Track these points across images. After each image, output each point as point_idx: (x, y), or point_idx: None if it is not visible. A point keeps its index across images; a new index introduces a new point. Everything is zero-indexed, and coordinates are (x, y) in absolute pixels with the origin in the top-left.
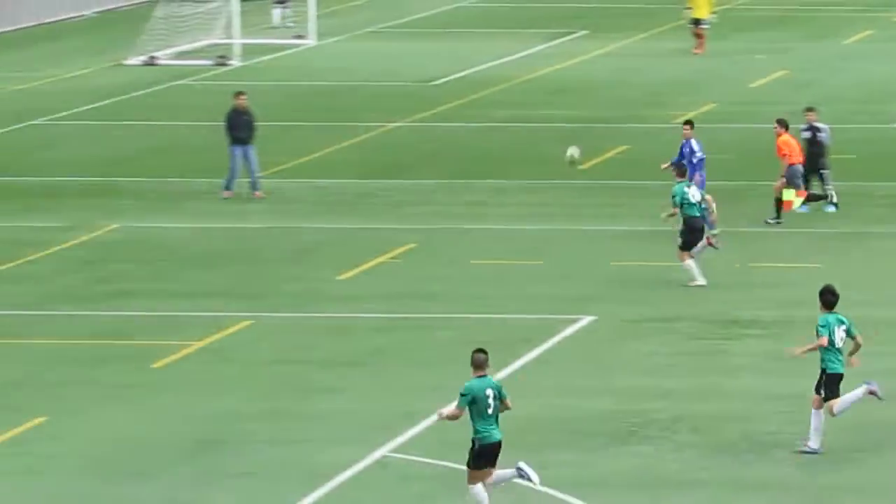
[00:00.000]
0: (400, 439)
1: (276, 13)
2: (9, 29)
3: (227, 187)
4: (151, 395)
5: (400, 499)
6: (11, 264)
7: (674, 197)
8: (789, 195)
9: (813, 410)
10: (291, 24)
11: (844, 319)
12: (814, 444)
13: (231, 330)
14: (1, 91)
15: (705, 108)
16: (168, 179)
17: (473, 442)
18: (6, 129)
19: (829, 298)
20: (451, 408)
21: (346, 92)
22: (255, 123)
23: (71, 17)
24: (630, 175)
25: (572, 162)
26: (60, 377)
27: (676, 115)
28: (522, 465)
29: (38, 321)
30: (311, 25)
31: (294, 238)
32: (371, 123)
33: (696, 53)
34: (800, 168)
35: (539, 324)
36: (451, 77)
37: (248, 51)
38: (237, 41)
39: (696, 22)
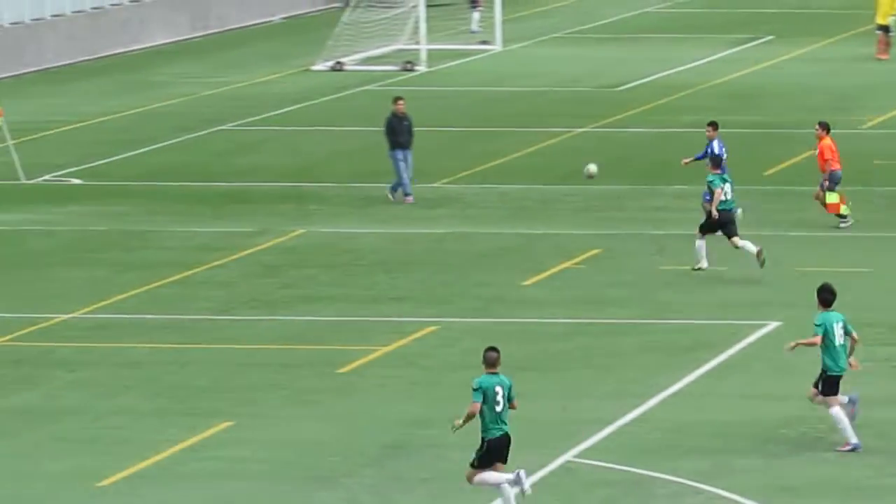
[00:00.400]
0: (584, 444)
1: (476, 16)
2: (198, 35)
3: (395, 189)
4: (337, 400)
5: None
6: (200, 269)
7: (711, 182)
8: (833, 198)
9: (833, 408)
10: (478, 29)
11: (842, 317)
12: (852, 439)
13: (416, 335)
14: (191, 96)
15: (893, 113)
16: (354, 185)
17: (483, 440)
18: (196, 135)
19: (826, 297)
20: (465, 412)
21: (530, 97)
22: (414, 129)
23: (259, 23)
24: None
25: (590, 177)
26: (247, 381)
27: (863, 121)
28: (522, 473)
29: (226, 326)
30: (497, 31)
31: (479, 243)
32: (555, 129)
33: (880, 59)
34: (840, 174)
35: (724, 329)
36: (636, 82)
37: (434, 56)
38: (423, 46)
39: (883, 29)
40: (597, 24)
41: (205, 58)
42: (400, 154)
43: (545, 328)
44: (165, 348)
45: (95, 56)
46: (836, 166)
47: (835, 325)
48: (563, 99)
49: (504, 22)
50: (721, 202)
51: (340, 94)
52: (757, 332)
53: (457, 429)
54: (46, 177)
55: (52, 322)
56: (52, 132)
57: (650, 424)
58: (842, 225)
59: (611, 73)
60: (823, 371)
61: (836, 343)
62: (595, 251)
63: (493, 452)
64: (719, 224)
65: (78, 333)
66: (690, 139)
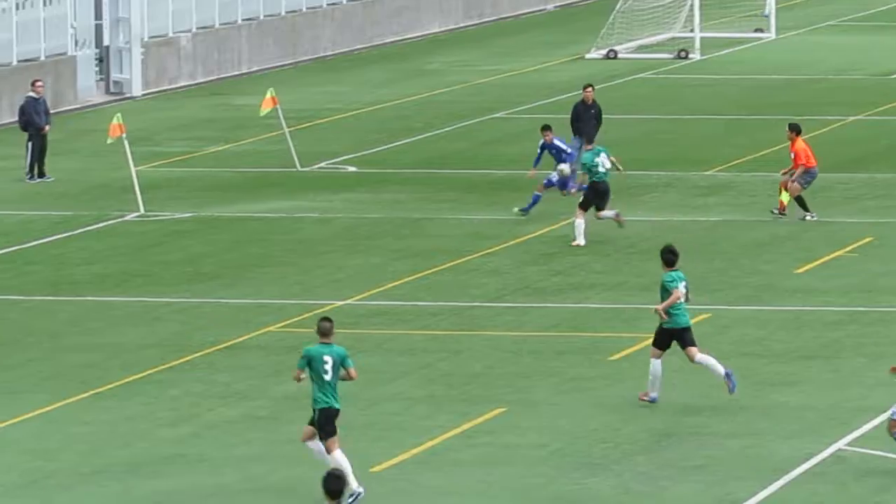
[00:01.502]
0: (856, 433)
1: (771, 0)
2: (472, 23)
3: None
4: (608, 387)
5: (856, 493)
6: (472, 256)
7: (584, 164)
8: (785, 197)
9: (652, 360)
10: (768, 14)
11: (684, 277)
12: (653, 393)
13: None
14: (464, 84)
15: None
16: (628, 172)
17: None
18: (469, 122)
19: (669, 257)
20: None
21: (803, 85)
22: (602, 117)
23: (532, 12)
24: None
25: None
26: (519, 369)
27: None
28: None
29: (498, 313)
30: (772, 19)
31: (751, 231)
32: (828, 117)
33: None
34: (816, 171)
35: None
36: None
37: (708, 44)
38: (697, 34)
39: None
40: (874, 10)
41: (478, 46)
42: (577, 142)
43: (817, 316)
44: (439, 335)
45: (370, 45)
46: (813, 163)
47: (679, 283)
48: (836, 87)
49: (779, 10)
50: (597, 173)
51: (613, 83)
52: None
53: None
54: (322, 164)
55: (326, 308)
56: (326, 120)
57: None
58: (807, 218)
59: (885, 61)
60: (665, 327)
61: (680, 299)
62: (867, 239)
63: (316, 422)
64: (596, 195)
65: (352, 320)
66: None
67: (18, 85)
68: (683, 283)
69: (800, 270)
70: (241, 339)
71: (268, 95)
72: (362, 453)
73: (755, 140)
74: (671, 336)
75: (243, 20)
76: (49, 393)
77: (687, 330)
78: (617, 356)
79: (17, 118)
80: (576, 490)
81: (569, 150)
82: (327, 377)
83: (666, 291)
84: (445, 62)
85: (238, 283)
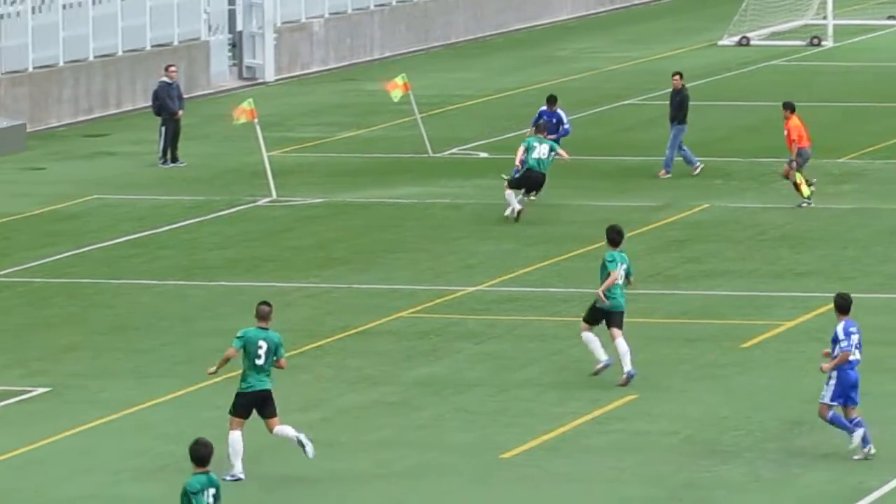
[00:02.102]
0: None
1: None
2: (603, 10)
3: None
4: (740, 375)
5: None
6: (604, 243)
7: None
8: (798, 177)
9: (583, 333)
10: None
11: (626, 258)
12: (602, 356)
13: (820, 310)
14: (595, 71)
15: None
16: (760, 159)
17: (237, 392)
18: (602, 109)
19: (613, 236)
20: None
21: None
22: (688, 103)
23: None
24: None
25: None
26: (651, 356)
27: None
28: (304, 438)
29: (630, 300)
30: None
31: (883, 219)
32: None
33: None
34: (809, 151)
35: None
36: None
37: (840, 31)
38: (830, 21)
39: None
40: None
41: (609, 33)
42: (672, 129)
43: None
44: (570, 321)
45: (500, 31)
46: (805, 144)
47: (620, 264)
48: None
49: None
50: (533, 159)
51: (745, 70)
52: None
53: (211, 374)
54: (453, 150)
55: (458, 294)
56: (458, 106)
57: None
58: (803, 205)
59: None
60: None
61: (618, 280)
62: None
63: (239, 406)
64: (526, 179)
65: (483, 306)
66: None
67: (152, 70)
68: (624, 266)
69: None
70: (372, 325)
71: (399, 81)
72: (492, 440)
73: (888, 127)
74: (603, 314)
75: (376, 6)
76: (181, 377)
77: (619, 314)
78: (749, 343)
79: (150, 103)
80: (706, 477)
81: (566, 125)
82: (259, 361)
83: (604, 270)
84: (576, 49)
85: (369, 268)
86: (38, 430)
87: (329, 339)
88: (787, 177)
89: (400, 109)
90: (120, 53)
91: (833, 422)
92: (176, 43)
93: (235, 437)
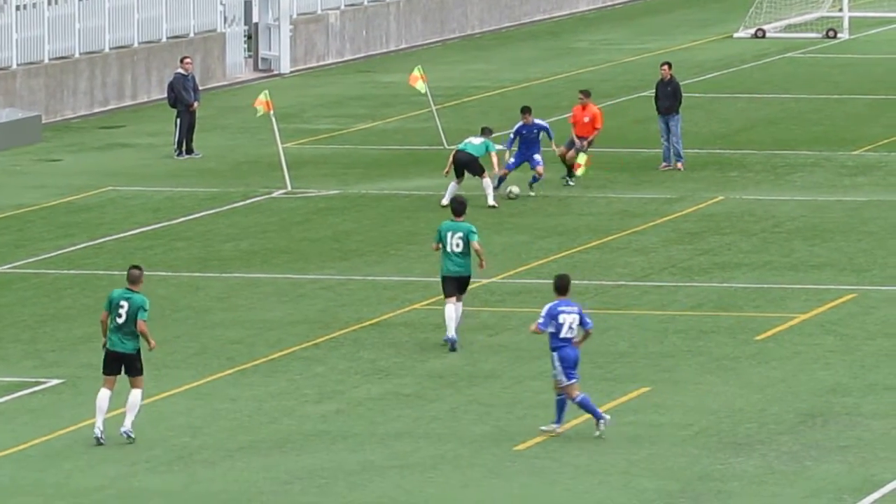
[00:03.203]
0: None
1: None
2: (620, 2)
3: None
4: (754, 367)
5: None
6: (619, 235)
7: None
8: (582, 159)
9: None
10: None
11: (464, 227)
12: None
13: (835, 303)
14: (613, 63)
15: None
16: (775, 152)
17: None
18: (617, 101)
19: (455, 207)
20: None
21: None
22: (680, 94)
23: None
24: None
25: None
26: (665, 348)
27: None
28: (128, 428)
29: (644, 292)
30: None
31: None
32: None
33: None
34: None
35: None
36: None
37: (856, 24)
38: (846, 14)
39: None
40: None
41: (627, 24)
42: (661, 121)
43: None
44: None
45: (518, 23)
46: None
47: (449, 233)
48: None
49: None
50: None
51: (761, 62)
52: None
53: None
54: None
55: (472, 286)
56: (474, 98)
57: None
58: (570, 183)
59: None
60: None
61: (450, 249)
62: None
63: (104, 363)
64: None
65: (498, 298)
66: None
67: (168, 61)
68: (459, 235)
69: None
70: (386, 317)
71: (416, 73)
72: (506, 431)
73: None
74: (451, 282)
75: None
76: (196, 369)
77: (456, 279)
78: (763, 336)
79: (165, 95)
80: (720, 469)
81: (548, 130)
82: (120, 320)
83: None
84: (594, 40)
85: (384, 260)
86: (52, 421)
87: (344, 331)
88: (564, 158)
89: (415, 101)
90: (136, 45)
91: (581, 403)
92: (192, 35)
93: (101, 395)
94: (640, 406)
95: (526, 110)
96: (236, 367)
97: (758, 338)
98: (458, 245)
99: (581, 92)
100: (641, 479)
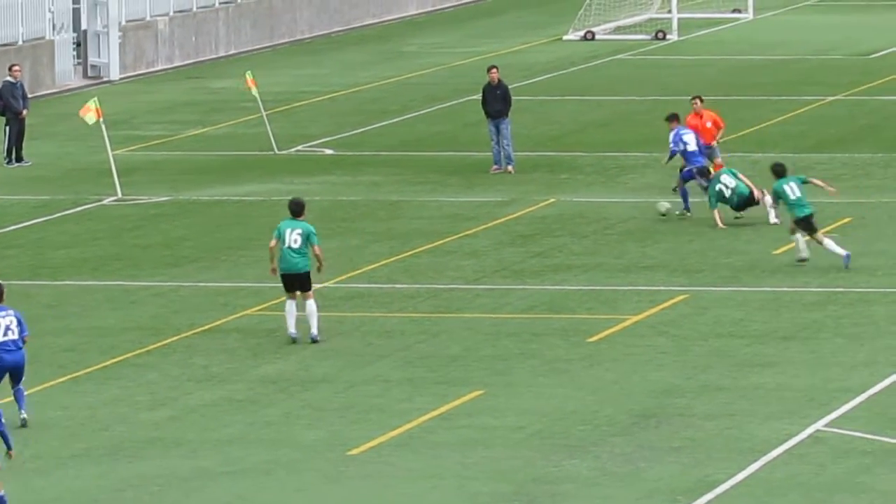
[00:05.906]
0: (834, 414)
1: None
2: (449, 6)
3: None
4: (587, 369)
5: (834, 474)
6: (451, 238)
7: None
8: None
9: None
10: None
11: (303, 226)
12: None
13: (667, 304)
14: (442, 66)
15: None
16: (606, 154)
17: None
18: (447, 105)
19: (293, 208)
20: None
21: (781, 66)
22: (510, 98)
23: None
24: None
25: (662, 214)
26: (498, 351)
27: None
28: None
29: (476, 295)
30: None
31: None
32: (807, 97)
33: None
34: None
35: None
36: (889, 50)
37: (686, 25)
38: (675, 15)
39: None
40: None
41: (457, 27)
42: (492, 124)
43: (796, 297)
44: (417, 317)
45: (348, 27)
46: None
47: (287, 230)
48: (814, 67)
49: None
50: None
51: (591, 64)
52: None
53: None
54: (299, 147)
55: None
56: (304, 103)
57: None
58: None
59: (864, 41)
60: None
61: (288, 244)
62: (845, 220)
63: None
64: None
65: (330, 303)
66: None
67: None
68: (297, 231)
69: (778, 251)
70: (219, 323)
71: (91, 105)
72: (339, 436)
73: (734, 120)
74: (292, 277)
75: (221, 3)
76: (28, 377)
77: (297, 275)
78: (595, 338)
79: None
80: (554, 472)
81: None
82: (296, 245)
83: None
84: (423, 44)
85: (216, 266)
86: None
87: (176, 338)
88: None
89: (245, 107)
90: None
91: None
92: (20, 42)
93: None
94: (474, 409)
95: (673, 118)
96: (69, 375)
97: (590, 340)
98: (295, 241)
99: (695, 98)
100: (475, 482)
